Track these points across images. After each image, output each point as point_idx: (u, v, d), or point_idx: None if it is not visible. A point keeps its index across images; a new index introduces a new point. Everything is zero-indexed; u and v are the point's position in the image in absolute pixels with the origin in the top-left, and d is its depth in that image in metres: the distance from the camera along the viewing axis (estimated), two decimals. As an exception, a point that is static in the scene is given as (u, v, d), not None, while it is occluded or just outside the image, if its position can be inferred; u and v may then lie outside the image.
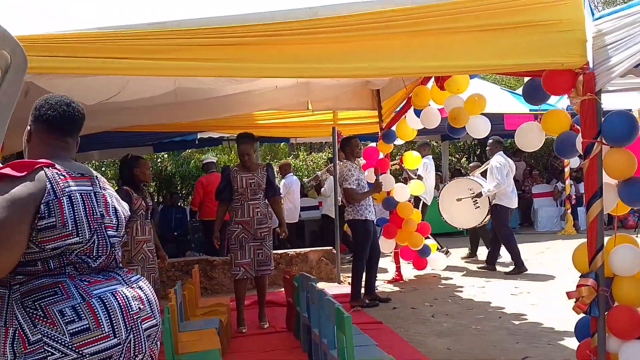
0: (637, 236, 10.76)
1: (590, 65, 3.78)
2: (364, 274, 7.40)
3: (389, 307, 7.09)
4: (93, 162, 17.75)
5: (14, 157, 10.43)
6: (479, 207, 9.20)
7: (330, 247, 8.94)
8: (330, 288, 8.22)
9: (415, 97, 6.99)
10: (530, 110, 11.83)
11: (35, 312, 1.98)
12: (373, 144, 8.55)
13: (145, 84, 5.89)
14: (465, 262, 9.81)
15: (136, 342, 2.14)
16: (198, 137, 10.94)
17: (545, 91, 4.12)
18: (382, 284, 8.35)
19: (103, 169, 19.99)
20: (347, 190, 7.15)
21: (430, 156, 10.06)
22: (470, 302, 7.21)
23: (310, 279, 5.34)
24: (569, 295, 3.90)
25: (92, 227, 2.16)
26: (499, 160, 9.01)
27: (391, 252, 8.68)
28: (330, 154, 12.80)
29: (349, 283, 8.45)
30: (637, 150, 3.89)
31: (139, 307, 2.19)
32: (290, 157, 19.16)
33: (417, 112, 7.29)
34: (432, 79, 6.71)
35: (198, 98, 7.07)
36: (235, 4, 3.99)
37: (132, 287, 2.24)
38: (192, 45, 3.69)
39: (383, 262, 9.45)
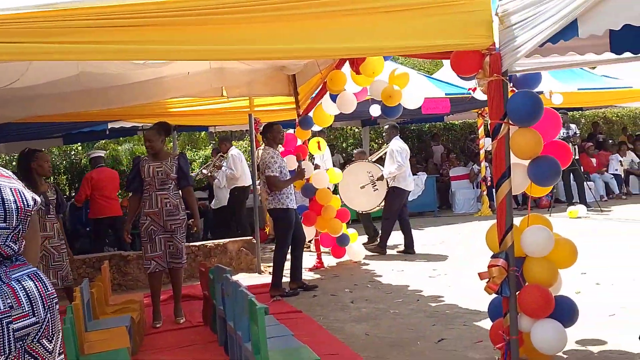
0: (550, 215, 11.21)
1: (497, 45, 3.77)
2: (290, 262, 7.29)
3: (309, 295, 7.03)
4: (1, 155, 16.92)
5: None
6: (377, 189, 9.43)
7: (250, 237, 8.79)
8: (250, 278, 8.10)
9: (330, 82, 6.92)
10: (445, 94, 12.01)
11: None
12: (291, 131, 8.44)
13: (46, 69, 5.57)
14: (367, 247, 9.82)
15: None
16: (109, 127, 10.49)
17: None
18: (303, 272, 8.26)
19: (13, 163, 19.04)
20: (270, 178, 6.97)
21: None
22: (389, 286, 7.23)
23: (225, 270, 5.19)
24: (481, 275, 3.92)
25: None
26: (397, 144, 9.26)
27: (311, 240, 8.61)
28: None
29: (269, 273, 8.35)
30: (545, 129, 3.94)
31: (10, 306, 2.14)
32: (210, 146, 18.82)
33: (333, 97, 7.22)
34: (347, 63, 6.64)
35: (105, 85, 6.76)
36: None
37: (8, 285, 2.17)
38: (89, 28, 3.46)
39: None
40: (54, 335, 2.30)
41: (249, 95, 8.09)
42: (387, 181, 9.25)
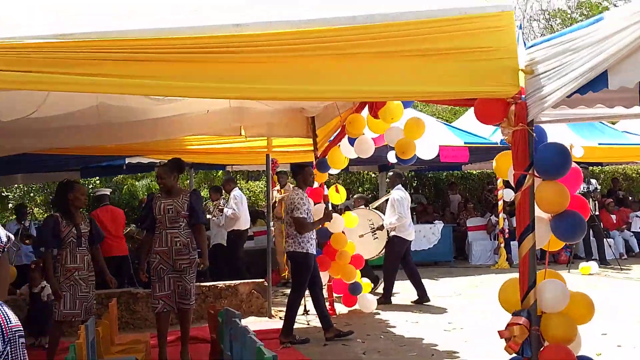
0: (569, 272, 10.94)
1: (523, 94, 3.68)
2: (317, 312, 7.06)
3: (319, 344, 6.81)
4: (19, 186, 17.00)
5: None
6: (377, 238, 9.37)
7: (262, 280, 8.62)
8: (260, 323, 7.91)
9: (349, 125, 6.85)
10: (465, 143, 11.92)
11: None
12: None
13: (65, 99, 5.54)
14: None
15: None
16: (126, 162, 10.49)
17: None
18: (315, 319, 8.06)
19: (32, 194, 19.14)
20: (299, 220, 6.76)
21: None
22: (402, 338, 7.00)
23: (234, 314, 5.03)
24: (501, 334, 3.74)
25: None
26: (399, 193, 9.17)
27: (324, 285, 8.42)
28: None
29: (280, 317, 8.16)
30: (566, 182, 3.80)
31: None
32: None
33: (352, 141, 7.14)
34: (367, 107, 6.58)
35: (123, 120, 6.75)
36: (155, 17, 3.73)
37: None
38: (108, 60, 3.41)
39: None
40: None
41: (268, 136, 8.05)
42: (387, 230, 9.18)
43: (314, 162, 8.03)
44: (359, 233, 9.27)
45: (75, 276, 5.92)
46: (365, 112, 6.75)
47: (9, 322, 2.33)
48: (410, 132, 6.34)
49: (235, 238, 10.64)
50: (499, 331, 3.72)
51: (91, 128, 6.77)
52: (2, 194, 18.87)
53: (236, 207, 10.42)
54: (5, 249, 2.43)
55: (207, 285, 8.39)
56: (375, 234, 9.34)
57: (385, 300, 9.03)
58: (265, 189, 8.71)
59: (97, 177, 15.74)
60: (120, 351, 5.51)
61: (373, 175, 18.80)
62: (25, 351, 2.42)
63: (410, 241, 9.32)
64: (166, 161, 6.41)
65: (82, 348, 4.06)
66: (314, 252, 7.03)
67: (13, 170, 11.59)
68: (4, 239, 2.43)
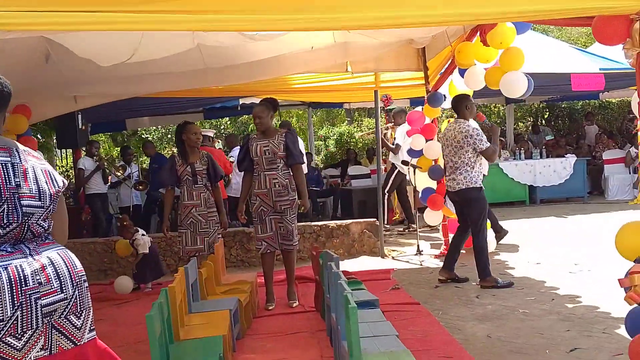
0: None
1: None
2: (449, 249, 6.74)
3: (430, 286, 6.55)
4: (157, 127, 17.79)
5: (42, 124, 10.39)
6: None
7: (374, 219, 8.41)
8: (372, 262, 7.76)
9: (459, 55, 6.33)
10: (600, 69, 10.84)
11: None
12: (418, 109, 7.93)
13: (161, 41, 5.48)
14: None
15: (24, 319, 2.16)
16: (240, 102, 10.53)
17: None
18: (429, 259, 7.80)
19: (169, 135, 19.83)
20: (488, 150, 6.20)
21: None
22: (521, 281, 6.55)
23: (332, 257, 4.88)
24: (621, 282, 3.31)
25: (3, 195, 2.22)
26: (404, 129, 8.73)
27: (439, 225, 8.10)
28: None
29: (393, 257, 7.98)
30: None
31: (39, 282, 2.21)
32: (345, 124, 18.62)
33: (462, 72, 6.62)
34: (477, 35, 6.02)
35: (229, 63, 6.68)
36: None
37: (39, 261, 2.26)
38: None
39: (430, 236, 8.90)
40: (82, 312, 2.36)
41: (375, 71, 7.70)
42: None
43: (425, 96, 7.58)
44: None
45: (193, 212, 6.15)
46: (475, 38, 6.18)
47: (75, 267, 2.39)
48: (505, 61, 5.70)
49: None
50: (618, 279, 3.30)
51: (197, 72, 6.79)
52: (142, 135, 19.92)
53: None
54: (60, 194, 2.47)
55: (318, 224, 8.33)
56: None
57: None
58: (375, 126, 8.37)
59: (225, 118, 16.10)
60: (225, 292, 5.55)
61: (501, 107, 17.82)
62: (89, 294, 2.48)
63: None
64: (261, 100, 6.25)
65: (174, 292, 4.05)
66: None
67: (141, 114, 12.11)
68: (60, 184, 2.47)
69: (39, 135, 11.56)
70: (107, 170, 9.73)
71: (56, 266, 2.30)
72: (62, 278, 2.30)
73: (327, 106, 15.62)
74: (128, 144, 20.52)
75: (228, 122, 19.69)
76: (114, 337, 5.35)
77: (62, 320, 2.28)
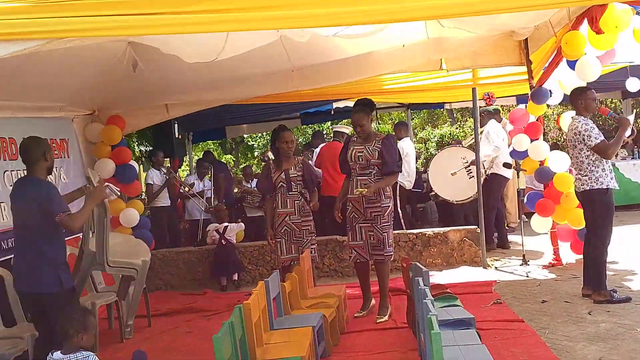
0: None
1: None
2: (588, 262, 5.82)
3: (537, 300, 5.96)
4: (262, 134, 17.94)
5: (134, 134, 10.55)
6: (473, 177, 8.25)
7: (475, 227, 7.87)
8: (473, 273, 7.25)
9: (566, 46, 5.74)
10: None
11: None
12: (521, 106, 7.34)
13: (245, 36, 5.26)
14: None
15: None
16: (334, 107, 10.28)
17: None
18: (536, 269, 7.18)
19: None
20: (599, 147, 5.52)
21: (408, 138, 9.44)
22: (641, 295, 5.85)
23: (421, 271, 4.48)
24: None
25: None
26: (494, 126, 8.40)
27: (547, 232, 7.45)
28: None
29: (496, 268, 7.43)
30: None
31: None
32: (447, 125, 17.97)
33: (571, 64, 6.01)
34: (585, 22, 5.42)
35: (315, 62, 6.45)
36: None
37: None
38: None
39: (537, 244, 8.23)
40: None
41: (472, 67, 7.20)
42: (484, 166, 8.07)
43: (529, 92, 6.98)
44: (450, 171, 8.38)
45: (287, 221, 5.95)
46: (584, 27, 5.57)
47: None
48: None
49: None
50: None
51: (285, 74, 6.63)
52: (248, 142, 20.13)
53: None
54: None
55: (414, 232, 7.91)
56: (470, 171, 8.35)
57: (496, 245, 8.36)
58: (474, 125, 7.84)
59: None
60: (310, 306, 5.26)
61: (618, 103, 16.55)
62: None
63: (509, 179, 8.51)
64: (353, 105, 5.97)
65: (248, 312, 3.81)
66: (616, 187, 5.72)
67: (240, 121, 12.14)
68: None
69: (139, 146, 11.79)
70: (175, 184, 9.41)
71: None
72: None
73: (427, 107, 15.08)
74: (236, 151, 20.93)
75: (330, 128, 19.57)
76: (200, 352, 5.23)
77: None
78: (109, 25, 3.10)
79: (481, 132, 8.33)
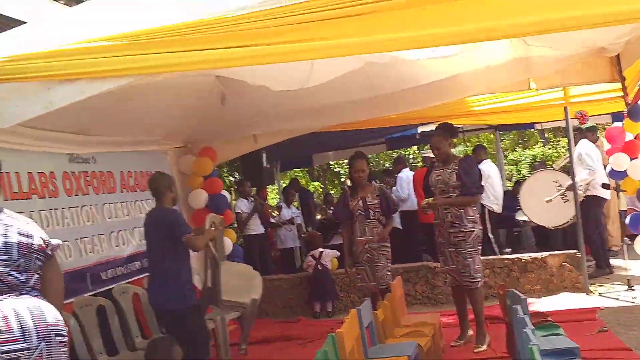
0: None
1: None
2: None
3: (644, 328, 5.61)
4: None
5: (225, 165, 10.78)
6: (568, 200, 7.74)
7: (575, 251, 7.51)
8: (574, 300, 6.90)
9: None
10: None
11: None
12: (619, 124, 7.00)
13: (331, 63, 5.32)
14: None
15: None
16: (419, 130, 10.18)
17: None
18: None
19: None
20: None
21: (489, 161, 9.21)
22: None
23: (518, 299, 4.30)
24: None
25: None
26: (586, 146, 8.04)
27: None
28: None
29: (599, 294, 7.07)
30: None
31: None
32: (539, 145, 17.42)
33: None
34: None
35: (398, 88, 6.41)
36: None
37: (2, 310, 2.42)
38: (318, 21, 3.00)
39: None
40: None
41: (562, 85, 6.94)
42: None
43: (625, 110, 6.66)
44: (545, 198, 7.86)
45: (367, 247, 5.89)
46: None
47: (44, 321, 2.51)
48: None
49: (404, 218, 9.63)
50: None
51: (362, 101, 6.63)
52: (335, 169, 20.27)
53: (400, 188, 9.58)
54: (42, 251, 2.69)
55: (510, 257, 7.65)
56: (565, 195, 7.85)
57: (599, 272, 7.80)
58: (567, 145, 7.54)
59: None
60: (405, 334, 5.15)
61: None
62: (66, 349, 2.61)
63: (607, 200, 8.18)
64: (434, 129, 5.91)
65: (341, 339, 3.77)
66: None
67: (326, 148, 12.25)
68: (37, 241, 2.68)
69: (229, 176, 12.04)
70: (262, 212, 9.48)
71: (20, 317, 2.44)
72: (24, 329, 2.42)
73: (517, 128, 14.72)
74: (324, 178, 21.10)
75: (416, 151, 19.42)
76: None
77: None
78: (196, 59, 3.20)
79: None
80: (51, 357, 2.48)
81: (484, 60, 6.05)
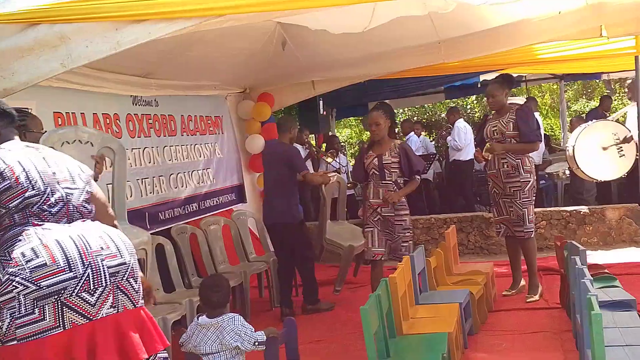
0: None
1: None
2: None
3: None
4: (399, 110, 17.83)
5: (282, 111, 10.77)
6: (623, 155, 7.33)
7: (636, 204, 7.33)
8: (633, 253, 6.77)
9: None
10: None
11: (3, 258, 2.33)
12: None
13: (393, 7, 5.22)
14: None
15: (94, 277, 2.35)
16: (480, 79, 9.93)
17: None
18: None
19: (415, 118, 19.72)
20: None
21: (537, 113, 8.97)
22: None
23: (577, 250, 4.26)
24: None
25: (45, 181, 2.48)
26: None
27: None
28: None
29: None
30: None
31: (101, 247, 2.42)
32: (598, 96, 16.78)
33: None
34: None
35: (463, 32, 6.28)
36: None
37: (96, 230, 2.48)
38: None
39: None
40: (137, 279, 2.53)
41: (636, 33, 6.63)
42: (637, 145, 7.22)
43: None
44: (602, 145, 7.44)
45: (379, 211, 5.07)
46: None
47: (128, 239, 2.58)
48: None
49: (457, 167, 9.83)
50: None
51: (426, 47, 6.51)
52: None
53: (458, 137, 9.61)
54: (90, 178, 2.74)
55: (567, 210, 7.53)
56: (622, 148, 7.40)
57: None
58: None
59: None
60: (456, 282, 5.19)
61: None
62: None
63: None
64: (495, 77, 5.79)
65: (394, 282, 3.83)
66: None
67: (381, 97, 12.10)
68: (85, 169, 2.72)
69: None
70: (317, 158, 9.55)
71: (111, 235, 2.50)
72: (118, 245, 2.48)
73: (582, 78, 14.16)
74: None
75: (475, 102, 19.01)
76: (348, 323, 5.32)
77: (125, 282, 2.45)
78: (260, 1, 3.21)
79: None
80: (136, 272, 2.53)
81: (554, 5, 5.85)
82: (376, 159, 5.08)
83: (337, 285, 6.23)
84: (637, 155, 7.26)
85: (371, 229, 5.09)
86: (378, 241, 5.05)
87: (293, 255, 5.86)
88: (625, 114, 8.20)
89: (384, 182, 5.04)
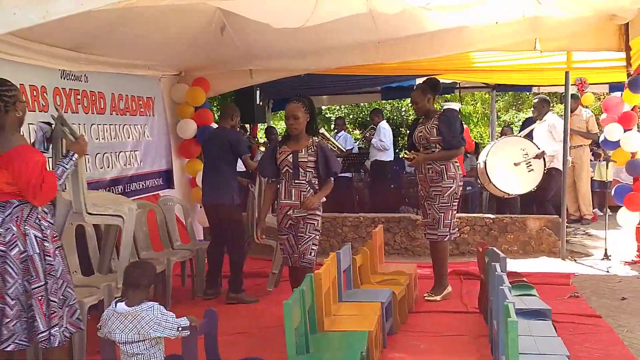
0: None
1: None
2: None
3: (616, 297, 5.72)
4: (340, 107, 17.91)
5: (217, 99, 10.64)
6: (532, 170, 7.55)
7: (556, 215, 7.59)
8: (551, 264, 7.00)
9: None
10: None
11: None
12: (617, 94, 6.98)
13: (335, 4, 5.19)
14: None
15: None
16: (416, 83, 10.05)
17: None
18: (618, 265, 6.87)
19: (352, 115, 19.83)
20: None
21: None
22: None
23: (497, 257, 4.36)
24: None
25: None
26: (555, 119, 8.27)
27: (633, 228, 7.10)
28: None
29: (575, 260, 7.18)
30: None
31: None
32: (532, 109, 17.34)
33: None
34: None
35: (403, 34, 6.33)
36: None
37: None
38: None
39: (620, 239, 7.85)
40: None
41: (568, 49, 6.86)
42: (544, 161, 7.49)
43: (625, 80, 6.63)
44: (513, 161, 7.61)
45: (290, 214, 4.75)
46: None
47: None
48: None
49: (377, 168, 10.18)
50: None
51: (369, 45, 6.55)
52: (326, 115, 20.07)
53: (384, 137, 9.99)
54: None
55: (491, 217, 7.71)
56: (530, 164, 7.60)
57: None
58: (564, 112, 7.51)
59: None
60: (380, 281, 5.23)
61: None
62: None
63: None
64: (418, 84, 5.90)
65: (319, 280, 3.81)
66: None
67: (320, 92, 12.11)
68: None
69: (219, 111, 11.94)
70: (252, 148, 9.50)
71: None
72: None
73: (514, 89, 14.56)
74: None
75: (409, 105, 19.23)
76: (269, 317, 5.27)
77: None
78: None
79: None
80: None
81: (493, 15, 5.97)
82: (291, 155, 4.72)
83: (269, 286, 6.15)
84: (544, 169, 7.50)
85: (286, 235, 4.81)
86: (297, 247, 4.78)
87: (225, 238, 5.91)
88: (531, 130, 8.46)
89: (297, 181, 4.72)
